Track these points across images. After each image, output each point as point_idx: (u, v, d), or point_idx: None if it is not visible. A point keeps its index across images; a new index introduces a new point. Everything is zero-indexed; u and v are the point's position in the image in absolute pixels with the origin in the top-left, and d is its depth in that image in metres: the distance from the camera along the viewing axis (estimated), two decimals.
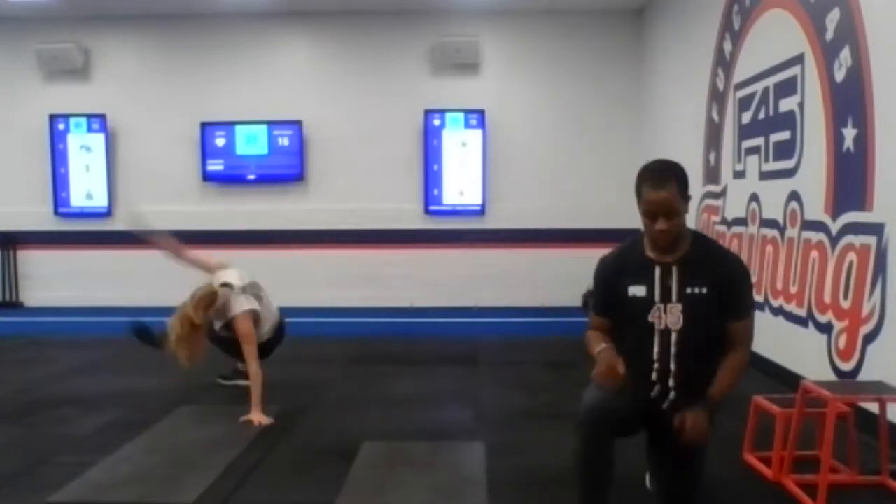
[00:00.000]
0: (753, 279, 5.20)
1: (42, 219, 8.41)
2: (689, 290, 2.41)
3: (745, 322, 2.45)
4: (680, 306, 2.41)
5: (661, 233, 2.39)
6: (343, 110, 8.31)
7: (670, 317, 2.41)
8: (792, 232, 4.60)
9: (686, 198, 2.46)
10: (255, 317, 4.27)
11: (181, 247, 4.61)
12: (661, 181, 2.39)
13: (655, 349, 2.42)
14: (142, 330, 4.63)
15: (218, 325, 4.28)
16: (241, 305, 4.20)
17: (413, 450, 3.61)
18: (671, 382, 2.43)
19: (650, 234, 2.44)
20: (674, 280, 2.42)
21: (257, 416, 4.06)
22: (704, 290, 2.40)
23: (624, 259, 2.53)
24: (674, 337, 2.41)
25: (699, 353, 2.41)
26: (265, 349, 4.42)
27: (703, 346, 2.42)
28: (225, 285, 4.23)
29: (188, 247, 4.63)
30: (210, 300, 4.10)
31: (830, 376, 3.99)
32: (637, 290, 2.44)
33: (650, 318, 2.42)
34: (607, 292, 2.54)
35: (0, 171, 8.42)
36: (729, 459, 3.33)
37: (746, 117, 5.36)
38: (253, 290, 4.37)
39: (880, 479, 3.07)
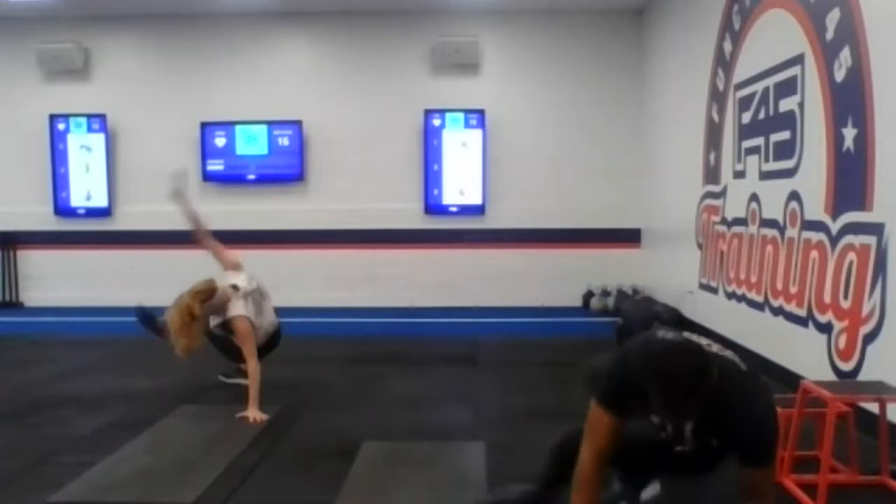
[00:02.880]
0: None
1: (42, 219, 8.41)
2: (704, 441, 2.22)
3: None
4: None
5: None
6: (343, 110, 8.31)
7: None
8: (792, 232, 4.60)
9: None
10: (250, 323, 4.32)
11: (204, 226, 4.73)
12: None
13: None
14: (146, 317, 4.69)
15: (214, 322, 4.32)
16: (239, 309, 4.27)
17: (413, 450, 3.61)
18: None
19: None
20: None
21: (253, 413, 4.08)
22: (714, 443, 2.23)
23: None
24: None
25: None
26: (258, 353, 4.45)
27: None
28: (232, 287, 4.30)
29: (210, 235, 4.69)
30: (208, 294, 4.17)
31: (830, 376, 3.99)
32: None
33: None
34: None
35: (0, 171, 8.42)
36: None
37: (746, 117, 5.36)
38: (256, 296, 4.44)
39: (880, 479, 3.07)
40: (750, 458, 2.15)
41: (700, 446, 2.19)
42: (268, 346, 4.58)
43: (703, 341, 2.27)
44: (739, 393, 2.14)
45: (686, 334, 2.30)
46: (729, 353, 2.28)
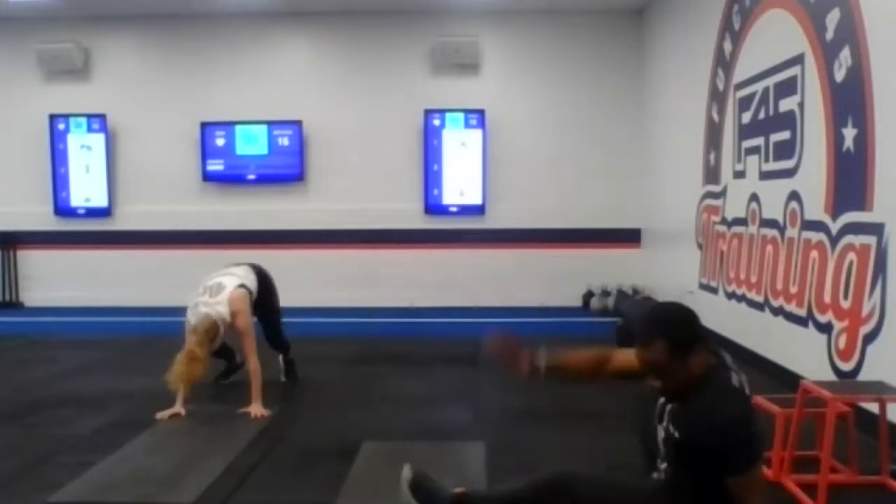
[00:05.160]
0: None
1: (42, 219, 8.41)
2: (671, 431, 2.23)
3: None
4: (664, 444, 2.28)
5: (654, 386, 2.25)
6: (343, 110, 8.30)
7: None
8: (792, 232, 4.60)
9: (682, 351, 2.13)
10: (249, 298, 4.30)
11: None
12: (646, 340, 2.17)
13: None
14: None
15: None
16: (223, 306, 4.16)
17: (413, 450, 3.60)
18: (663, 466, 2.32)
19: None
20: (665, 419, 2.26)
21: (256, 409, 4.09)
22: (677, 435, 2.21)
23: None
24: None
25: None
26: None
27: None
28: (200, 311, 4.17)
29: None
30: (214, 329, 4.08)
31: (830, 376, 3.99)
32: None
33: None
34: None
35: (0, 171, 8.42)
36: None
37: (746, 117, 5.36)
38: (212, 292, 4.28)
39: (880, 479, 3.07)
40: (725, 467, 2.11)
41: (667, 437, 2.22)
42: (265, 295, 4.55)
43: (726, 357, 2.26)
44: (716, 392, 2.14)
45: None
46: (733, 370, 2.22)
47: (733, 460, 2.10)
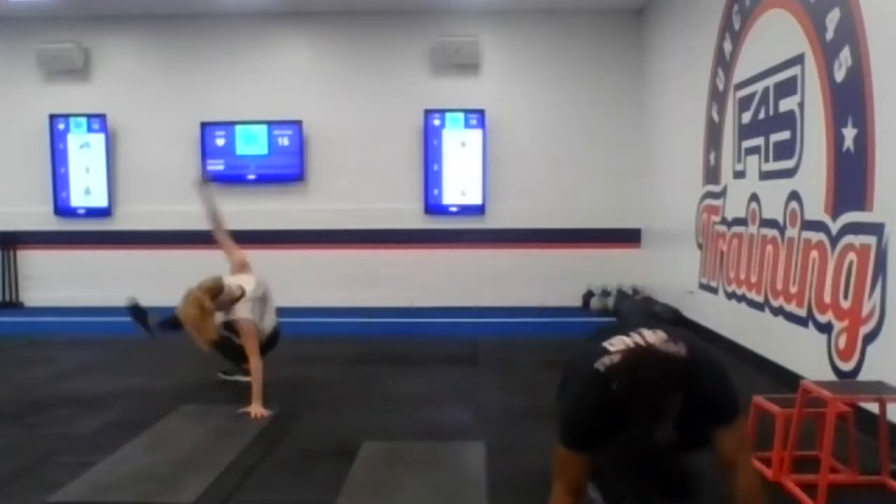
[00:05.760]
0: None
1: (42, 219, 8.41)
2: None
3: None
4: None
5: None
6: (343, 110, 8.31)
7: None
8: (792, 232, 4.60)
9: None
10: (255, 328, 4.41)
11: (222, 222, 5.08)
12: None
13: None
14: (139, 312, 4.78)
15: (219, 319, 4.34)
16: (245, 312, 4.36)
17: (413, 450, 3.61)
18: None
19: None
20: None
21: (256, 409, 4.11)
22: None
23: None
24: None
25: None
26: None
27: None
28: (239, 287, 4.41)
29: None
30: (217, 290, 4.23)
31: (830, 376, 3.99)
32: None
33: None
34: None
35: (0, 171, 8.42)
36: None
37: (746, 117, 5.36)
38: (261, 303, 4.53)
39: (880, 479, 3.07)
40: (718, 418, 2.16)
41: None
42: (265, 347, 4.60)
43: (641, 337, 2.22)
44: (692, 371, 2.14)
45: (618, 341, 2.26)
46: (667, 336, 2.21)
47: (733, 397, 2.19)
